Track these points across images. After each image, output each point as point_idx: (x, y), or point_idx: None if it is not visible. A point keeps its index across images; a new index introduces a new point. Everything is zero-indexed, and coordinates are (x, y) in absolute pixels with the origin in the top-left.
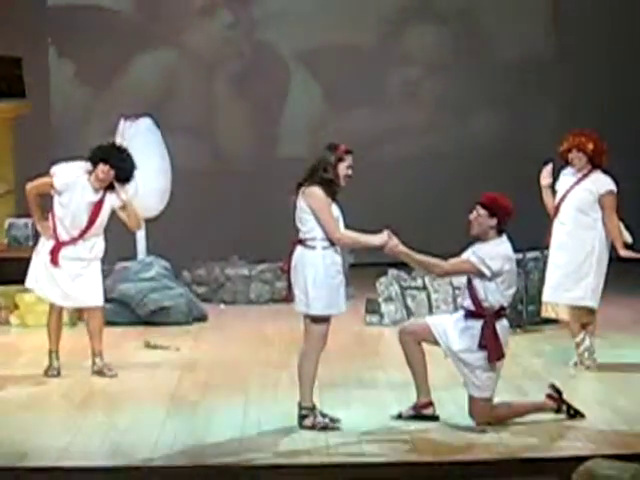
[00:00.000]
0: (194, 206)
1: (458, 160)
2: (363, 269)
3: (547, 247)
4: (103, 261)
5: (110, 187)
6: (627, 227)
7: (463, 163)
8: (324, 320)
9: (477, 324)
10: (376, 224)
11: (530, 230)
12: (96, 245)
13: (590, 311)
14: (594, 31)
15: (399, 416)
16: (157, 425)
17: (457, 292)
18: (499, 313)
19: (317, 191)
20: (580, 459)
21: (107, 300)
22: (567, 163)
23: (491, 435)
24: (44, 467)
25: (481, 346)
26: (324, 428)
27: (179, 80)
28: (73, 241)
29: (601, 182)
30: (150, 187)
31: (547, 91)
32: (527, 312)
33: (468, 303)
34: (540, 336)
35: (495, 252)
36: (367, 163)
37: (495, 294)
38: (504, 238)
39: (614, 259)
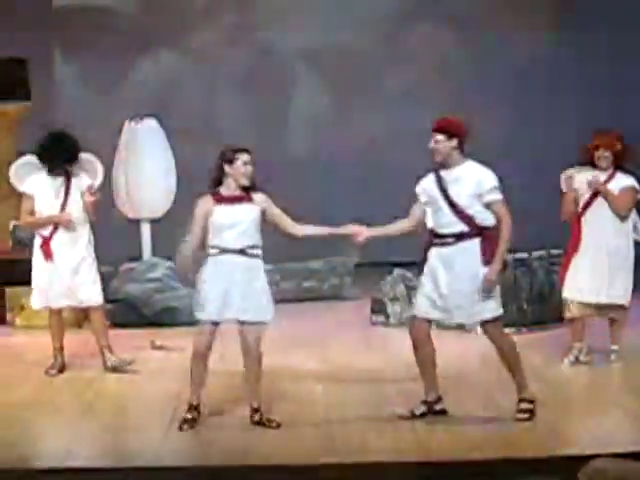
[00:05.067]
0: None
1: None
2: (368, 268)
3: (574, 248)
4: (111, 262)
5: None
6: None
7: None
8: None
9: (474, 244)
10: (379, 223)
11: (536, 230)
12: (81, 238)
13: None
14: (601, 30)
15: (410, 414)
16: (163, 426)
17: None
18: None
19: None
20: (586, 458)
21: (113, 301)
22: (591, 162)
23: (495, 434)
24: (50, 468)
25: (487, 262)
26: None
27: (183, 80)
28: (55, 229)
29: (623, 181)
30: (155, 188)
31: (552, 91)
32: (532, 311)
33: (461, 228)
34: (545, 335)
35: (488, 173)
36: (369, 162)
37: (485, 212)
38: (471, 161)
39: None
